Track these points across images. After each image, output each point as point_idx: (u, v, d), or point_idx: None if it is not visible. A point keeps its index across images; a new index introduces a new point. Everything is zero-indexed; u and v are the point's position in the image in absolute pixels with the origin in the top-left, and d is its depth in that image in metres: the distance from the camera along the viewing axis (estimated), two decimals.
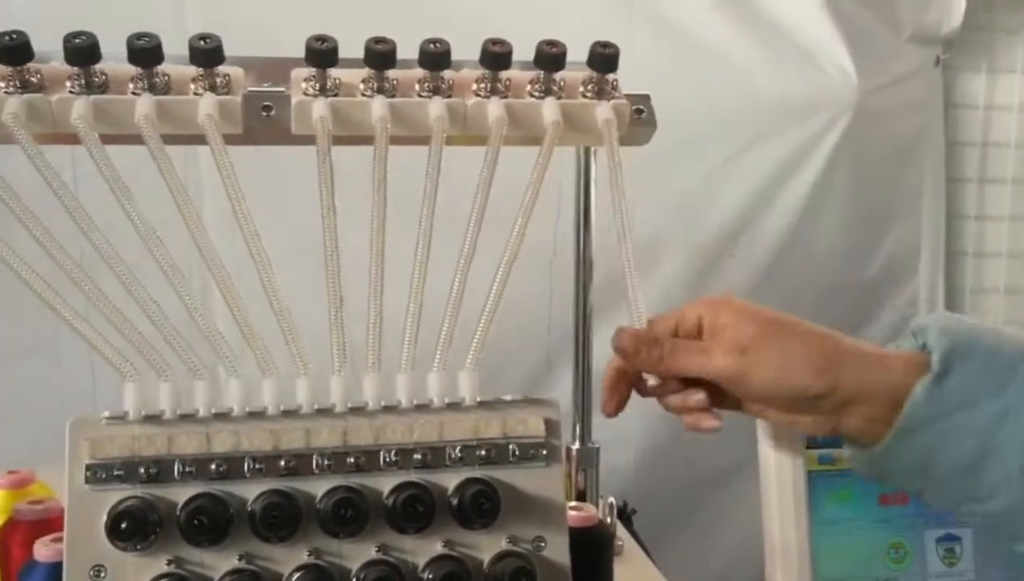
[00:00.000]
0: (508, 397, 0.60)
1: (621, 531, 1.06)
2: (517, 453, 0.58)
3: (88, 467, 0.54)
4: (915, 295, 1.74)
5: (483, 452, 0.58)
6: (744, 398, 0.60)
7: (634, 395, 0.62)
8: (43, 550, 0.72)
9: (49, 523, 0.77)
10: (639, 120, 0.75)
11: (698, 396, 0.59)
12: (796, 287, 1.61)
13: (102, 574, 0.54)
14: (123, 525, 0.53)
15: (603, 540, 0.80)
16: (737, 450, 0.71)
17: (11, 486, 0.87)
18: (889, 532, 0.70)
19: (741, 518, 1.57)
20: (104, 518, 0.54)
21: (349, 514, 0.55)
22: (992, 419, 0.55)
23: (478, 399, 0.59)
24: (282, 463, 0.56)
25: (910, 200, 1.72)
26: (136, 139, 0.62)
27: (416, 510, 0.56)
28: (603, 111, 0.70)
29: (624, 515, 1.15)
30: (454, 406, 0.59)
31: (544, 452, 0.59)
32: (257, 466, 0.56)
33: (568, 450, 0.89)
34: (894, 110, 1.65)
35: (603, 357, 0.64)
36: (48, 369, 1.38)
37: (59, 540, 0.73)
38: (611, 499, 0.95)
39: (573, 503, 0.85)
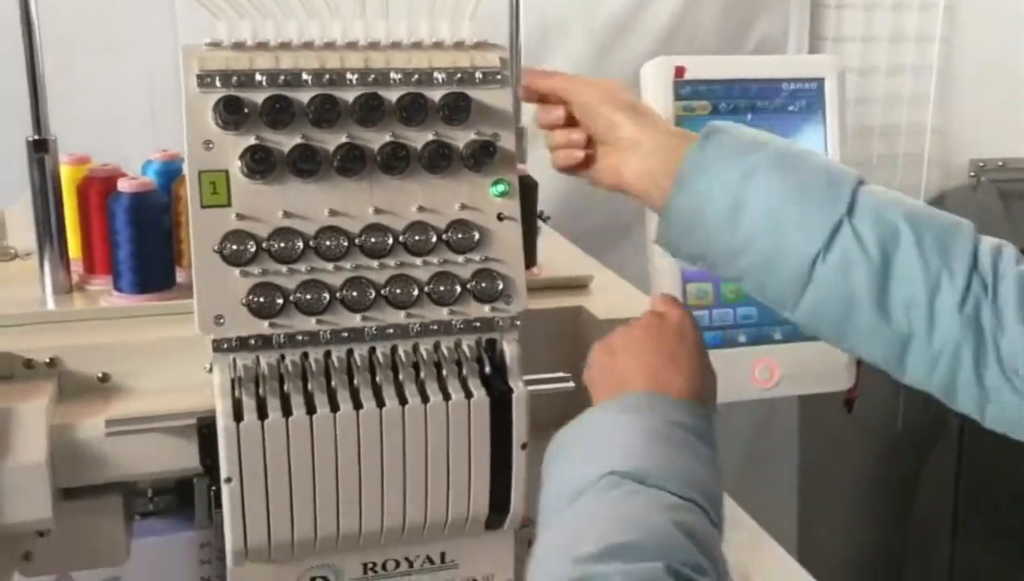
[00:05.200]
0: (475, 40, 0.88)
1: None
2: (481, 77, 0.87)
3: (198, 76, 0.81)
4: None
5: (459, 76, 0.87)
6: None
7: None
8: (125, 185, 1.00)
9: (115, 180, 1.04)
10: None
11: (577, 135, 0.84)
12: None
13: (211, 146, 0.82)
14: (224, 108, 0.80)
15: (530, 185, 1.11)
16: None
17: (73, 163, 1.12)
18: None
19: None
20: (210, 109, 0.81)
21: (373, 104, 0.83)
22: (740, 176, 0.71)
23: (455, 41, 0.87)
24: (326, 77, 0.84)
25: None
26: None
27: (417, 105, 0.84)
28: None
29: (540, 217, 1.46)
30: (438, 44, 0.87)
31: (499, 77, 0.88)
32: (310, 79, 0.83)
33: None
34: None
35: None
36: None
37: (135, 180, 1.00)
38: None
39: None
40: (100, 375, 0.93)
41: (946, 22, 2.18)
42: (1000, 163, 2.30)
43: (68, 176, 1.09)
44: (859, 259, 0.68)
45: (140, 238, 1.00)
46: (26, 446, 0.84)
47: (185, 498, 0.98)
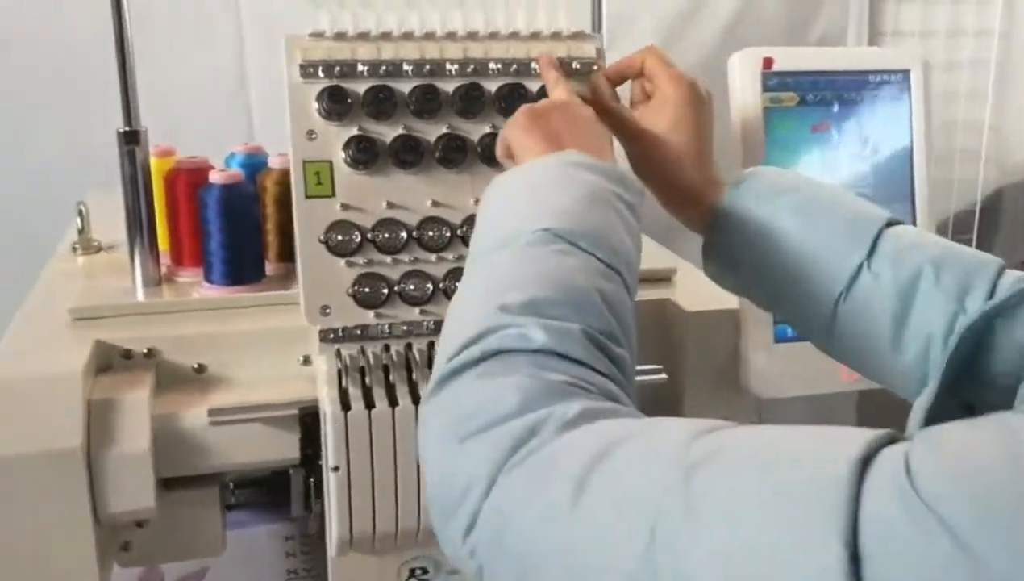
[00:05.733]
0: (571, 30, 0.88)
1: None
2: (578, 68, 0.87)
3: (301, 65, 0.82)
4: None
5: None
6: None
7: None
8: (216, 176, 1.00)
9: (203, 172, 1.05)
10: None
11: None
12: None
13: (314, 136, 0.82)
14: (329, 98, 0.80)
15: None
16: None
17: (159, 155, 1.13)
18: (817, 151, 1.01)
19: None
20: (313, 99, 0.82)
21: (474, 95, 0.83)
22: (768, 218, 0.75)
23: (552, 31, 0.87)
24: (426, 68, 0.84)
25: None
26: None
27: (516, 95, 0.84)
28: None
29: None
30: (536, 35, 0.87)
31: (595, 68, 0.88)
32: (411, 69, 0.83)
33: None
34: None
35: None
36: None
37: (225, 171, 1.01)
38: None
39: None
40: (196, 366, 0.93)
41: (1004, 17, 2.15)
42: None
43: (155, 168, 1.10)
44: (877, 302, 0.70)
45: (231, 229, 1.00)
46: (131, 435, 0.84)
47: (271, 491, 0.99)
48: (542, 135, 0.74)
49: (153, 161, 1.11)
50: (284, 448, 0.88)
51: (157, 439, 0.86)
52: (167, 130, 1.43)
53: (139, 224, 1.03)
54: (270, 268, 1.06)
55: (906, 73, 1.03)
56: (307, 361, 0.93)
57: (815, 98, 1.01)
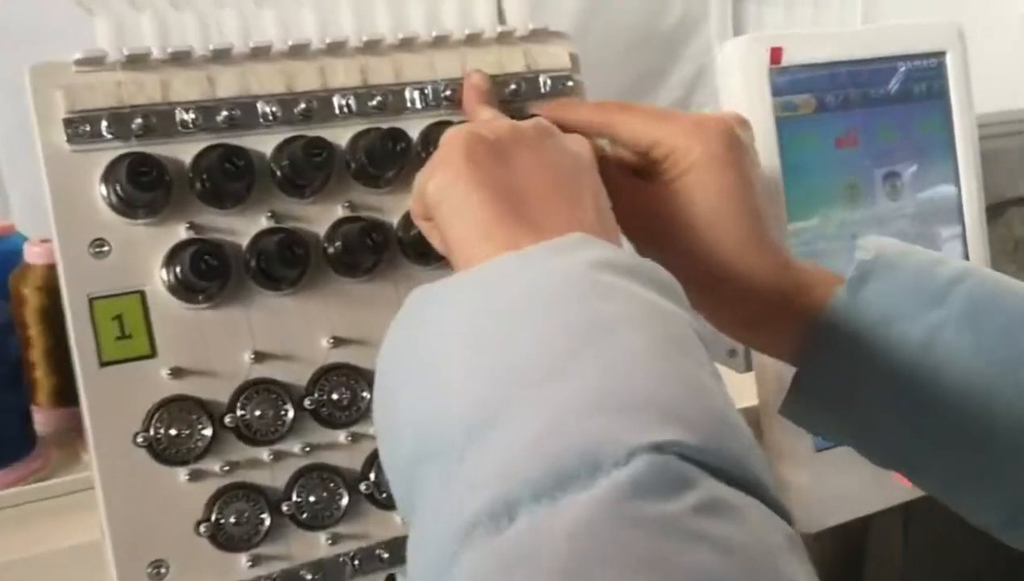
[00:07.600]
0: (527, 28, 0.54)
1: None
2: (549, 85, 0.53)
3: (67, 122, 0.43)
4: (708, 43, 1.81)
5: (514, 86, 0.52)
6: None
7: None
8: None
9: None
10: None
11: None
12: (604, 41, 1.62)
13: (105, 250, 0.44)
14: (129, 177, 0.43)
15: None
16: None
17: None
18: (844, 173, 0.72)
19: None
20: (97, 182, 0.44)
21: (390, 148, 0.47)
22: (922, 337, 0.45)
23: (500, 31, 0.52)
24: (300, 106, 0.47)
25: None
26: None
27: None
28: None
29: None
30: (473, 38, 0.52)
31: (571, 85, 0.54)
32: (272, 111, 0.47)
33: None
34: None
35: None
36: None
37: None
38: None
39: None
40: None
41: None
42: None
43: None
44: None
45: None
46: None
47: None
48: (500, 189, 0.39)
49: None
50: None
51: None
52: None
53: None
54: (41, 422, 0.67)
55: (940, 57, 0.76)
56: None
57: (836, 100, 0.72)
